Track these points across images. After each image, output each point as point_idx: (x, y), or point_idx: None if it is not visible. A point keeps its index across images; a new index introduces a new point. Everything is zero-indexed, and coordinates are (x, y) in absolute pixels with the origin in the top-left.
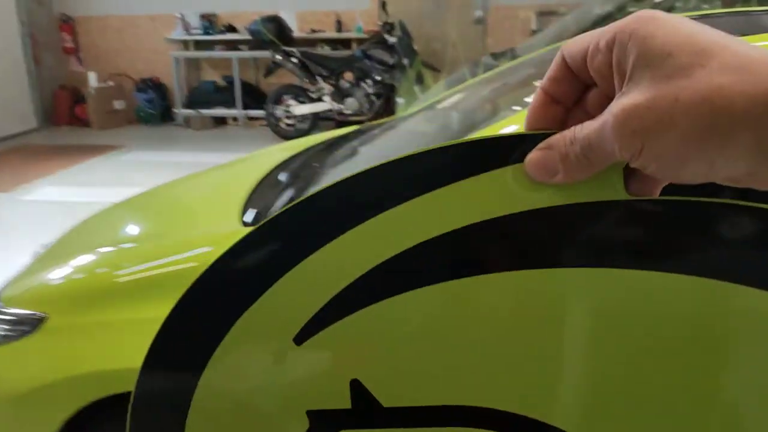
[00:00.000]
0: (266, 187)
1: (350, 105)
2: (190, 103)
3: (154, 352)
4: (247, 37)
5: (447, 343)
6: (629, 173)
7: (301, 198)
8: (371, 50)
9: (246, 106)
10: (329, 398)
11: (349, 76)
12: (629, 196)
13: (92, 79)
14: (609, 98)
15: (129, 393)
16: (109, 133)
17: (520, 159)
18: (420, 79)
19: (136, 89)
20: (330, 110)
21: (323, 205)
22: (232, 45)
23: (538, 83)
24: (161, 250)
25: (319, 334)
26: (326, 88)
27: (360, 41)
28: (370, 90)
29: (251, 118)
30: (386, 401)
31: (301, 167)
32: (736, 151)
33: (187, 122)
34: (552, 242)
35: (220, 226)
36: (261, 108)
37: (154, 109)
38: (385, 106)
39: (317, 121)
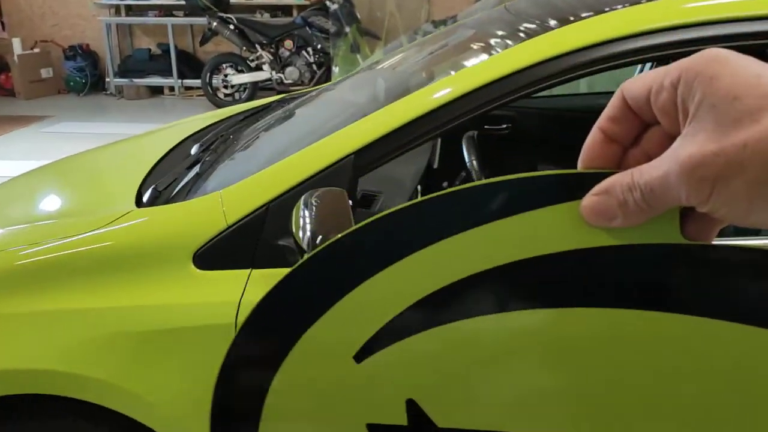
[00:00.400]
0: (171, 162)
1: (291, 74)
2: (123, 72)
3: (226, 366)
4: (182, 2)
5: (499, 371)
6: (685, 216)
7: (367, 221)
8: (312, 17)
9: (182, 75)
10: (387, 414)
11: (289, 44)
12: (685, 240)
13: (17, 46)
14: (671, 137)
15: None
16: (36, 103)
17: (574, 197)
18: (356, 47)
19: (65, 57)
20: (270, 80)
21: (386, 229)
22: (167, 11)
23: (475, 46)
24: (48, 232)
25: (377, 354)
26: (265, 56)
27: (301, 8)
28: (312, 59)
29: (188, 88)
30: (441, 422)
31: (214, 140)
32: None
33: (120, 92)
34: (605, 282)
35: (115, 207)
36: (198, 77)
37: (84, 78)
38: (326, 75)
39: (257, 91)
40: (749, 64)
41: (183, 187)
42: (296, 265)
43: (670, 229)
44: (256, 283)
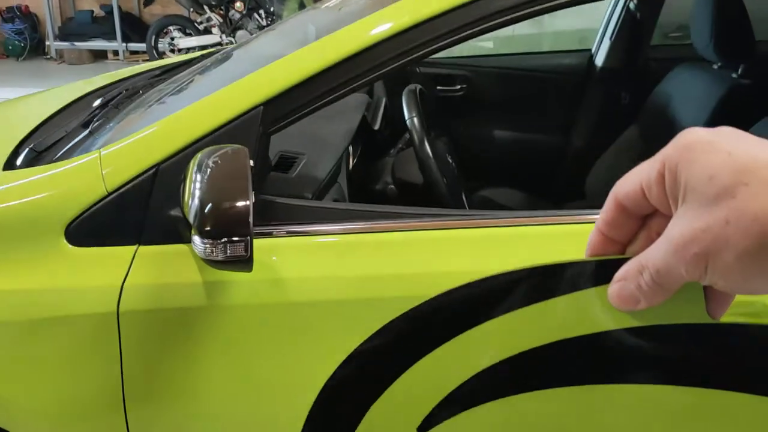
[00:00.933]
0: (65, 119)
1: (242, 38)
2: (65, 35)
3: None
4: None
5: None
6: (707, 293)
7: (427, 300)
8: None
9: (127, 39)
10: None
11: (240, 6)
12: (710, 319)
13: None
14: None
15: None
16: None
17: (598, 282)
18: (303, 7)
19: (3, 19)
20: (219, 44)
21: (447, 305)
22: None
23: None
24: None
25: (439, 425)
26: (215, 19)
27: None
28: (264, 22)
29: (133, 52)
30: None
31: (118, 94)
32: None
33: (62, 56)
34: (647, 360)
35: None
36: (144, 41)
37: (23, 41)
38: None
39: None
40: (721, 142)
41: (71, 147)
42: (361, 342)
43: (695, 308)
44: (143, 263)
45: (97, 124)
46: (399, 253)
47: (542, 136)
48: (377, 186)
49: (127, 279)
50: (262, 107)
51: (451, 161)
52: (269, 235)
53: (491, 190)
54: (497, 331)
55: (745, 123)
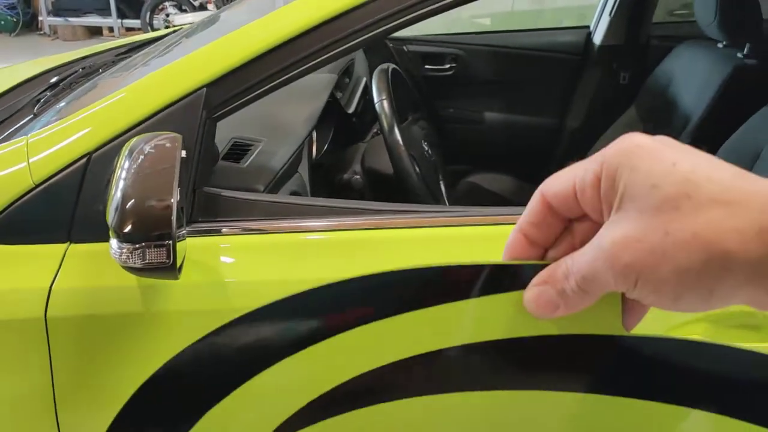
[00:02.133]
0: (16, 96)
1: None
2: (58, 11)
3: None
4: None
5: None
6: (625, 305)
7: (298, 292)
8: None
9: (122, 15)
10: None
11: None
12: (625, 332)
13: None
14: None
15: None
16: None
17: (513, 287)
18: None
19: None
20: None
21: (319, 302)
22: None
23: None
24: None
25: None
26: None
27: None
28: None
29: (129, 29)
30: None
31: (73, 73)
32: (734, 283)
33: (55, 32)
34: (549, 368)
35: None
36: (140, 17)
37: (16, 16)
38: None
39: None
40: (665, 150)
41: (13, 131)
42: (207, 333)
43: (612, 320)
44: (74, 263)
45: (43, 105)
46: (357, 256)
47: (536, 118)
48: (344, 176)
49: (56, 281)
50: (205, 89)
51: (427, 149)
52: (217, 232)
53: (481, 176)
54: (388, 331)
55: (750, 105)
